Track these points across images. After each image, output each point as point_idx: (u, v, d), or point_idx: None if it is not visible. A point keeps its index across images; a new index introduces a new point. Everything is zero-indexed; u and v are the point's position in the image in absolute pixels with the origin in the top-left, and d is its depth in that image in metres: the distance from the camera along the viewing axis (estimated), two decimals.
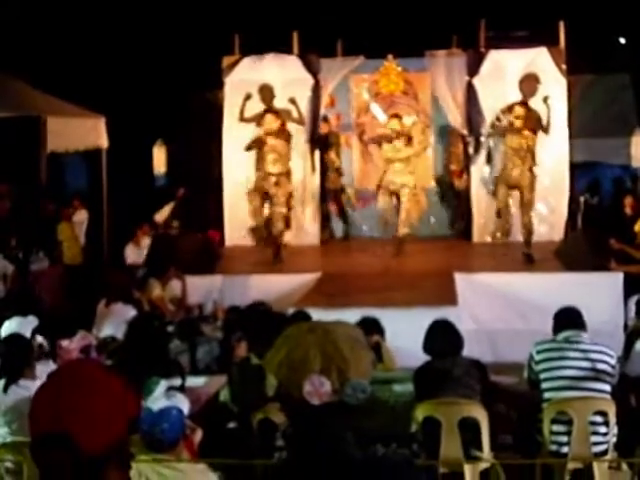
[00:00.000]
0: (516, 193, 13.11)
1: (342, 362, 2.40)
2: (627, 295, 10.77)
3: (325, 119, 15.47)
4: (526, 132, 12.74)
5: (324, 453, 2.57)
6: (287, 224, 14.30)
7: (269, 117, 13.30)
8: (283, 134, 13.38)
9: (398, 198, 13.62)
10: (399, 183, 13.48)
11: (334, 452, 2.57)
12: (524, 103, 12.96)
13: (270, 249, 13.23)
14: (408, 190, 13.49)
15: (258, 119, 13.61)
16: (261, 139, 13.26)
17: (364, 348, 2.60)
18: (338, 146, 15.62)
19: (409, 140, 13.56)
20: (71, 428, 2.37)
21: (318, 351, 2.40)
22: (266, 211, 13.44)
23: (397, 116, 13.83)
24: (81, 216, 15.24)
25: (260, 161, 13.30)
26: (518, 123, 12.69)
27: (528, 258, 12.53)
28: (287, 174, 13.40)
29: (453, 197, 15.84)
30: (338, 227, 16.01)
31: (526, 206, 12.90)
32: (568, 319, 6.59)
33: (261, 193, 13.27)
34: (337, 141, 15.60)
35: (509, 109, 13.02)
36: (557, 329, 6.60)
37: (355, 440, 2.63)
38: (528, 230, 12.90)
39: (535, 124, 13.00)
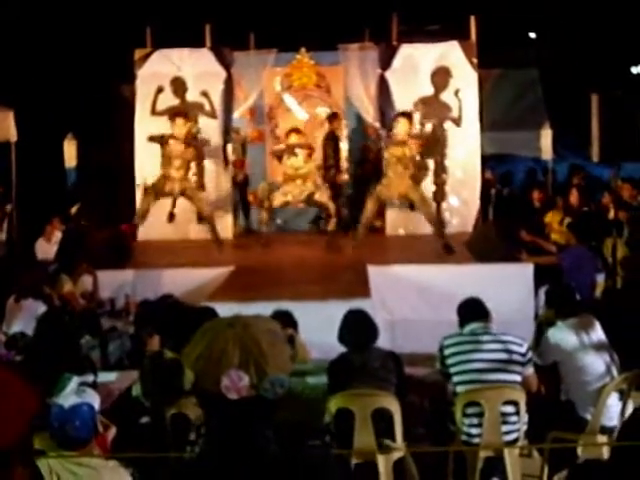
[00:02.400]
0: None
1: (261, 356, 2.40)
2: (537, 286, 10.94)
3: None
4: (410, 142, 12.81)
5: (242, 449, 2.55)
6: (200, 218, 14.28)
7: (179, 121, 13.18)
8: (191, 139, 13.33)
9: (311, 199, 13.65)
10: (297, 194, 13.50)
11: (252, 447, 2.55)
12: (409, 115, 13.05)
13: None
14: (313, 189, 13.49)
15: (169, 116, 13.56)
16: (166, 139, 13.14)
17: (283, 343, 2.60)
18: (240, 139, 15.57)
19: (309, 154, 13.53)
20: None
21: (237, 345, 2.39)
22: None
23: (296, 130, 13.78)
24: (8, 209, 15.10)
25: (164, 166, 13.19)
26: (400, 136, 12.76)
27: (447, 249, 12.64)
28: (190, 178, 13.55)
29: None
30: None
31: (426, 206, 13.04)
32: (472, 311, 6.65)
33: (155, 193, 13.25)
34: (238, 134, 15.54)
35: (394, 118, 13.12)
36: (463, 322, 6.66)
37: (275, 437, 2.62)
38: (437, 223, 13.06)
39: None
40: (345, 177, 15.79)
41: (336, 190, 14.75)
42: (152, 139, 13.29)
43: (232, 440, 2.54)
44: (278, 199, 13.48)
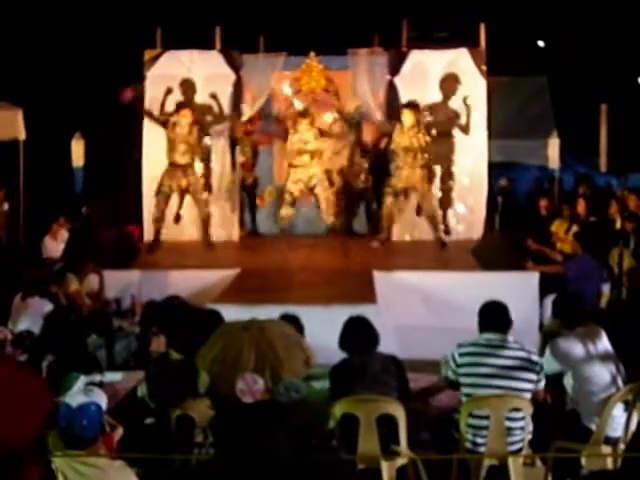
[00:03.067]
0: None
1: (276, 361, 2.41)
2: (543, 295, 10.95)
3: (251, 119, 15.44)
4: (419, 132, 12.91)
5: (255, 452, 2.57)
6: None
7: (184, 111, 13.55)
8: (194, 126, 13.43)
9: (313, 190, 13.71)
10: (305, 177, 13.54)
11: (265, 451, 2.57)
12: (415, 105, 13.10)
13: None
14: (317, 179, 13.56)
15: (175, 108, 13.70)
16: (168, 126, 13.37)
17: (298, 347, 2.61)
18: (250, 141, 15.55)
19: (321, 134, 13.63)
20: None
21: (252, 349, 2.40)
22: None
23: (305, 113, 13.94)
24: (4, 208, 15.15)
25: (169, 152, 13.33)
26: (406, 126, 12.83)
27: (441, 244, 12.88)
28: (194, 168, 13.72)
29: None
30: (264, 224, 16.00)
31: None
32: (492, 318, 6.61)
33: (165, 197, 13.51)
34: (249, 136, 15.53)
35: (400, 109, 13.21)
36: (482, 327, 6.61)
37: (289, 441, 2.64)
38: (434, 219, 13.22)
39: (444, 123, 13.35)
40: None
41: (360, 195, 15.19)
42: (163, 122, 13.42)
43: (246, 443, 2.56)
44: (293, 188, 13.51)
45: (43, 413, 2.35)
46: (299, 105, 15.32)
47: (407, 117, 12.93)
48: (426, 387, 7.35)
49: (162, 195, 13.54)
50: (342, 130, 15.71)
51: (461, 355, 6.46)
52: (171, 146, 13.45)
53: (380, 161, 14.97)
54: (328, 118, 15.60)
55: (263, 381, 2.38)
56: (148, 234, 14.67)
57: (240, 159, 15.31)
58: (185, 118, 13.50)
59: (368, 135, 15.46)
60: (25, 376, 2.34)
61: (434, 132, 13.88)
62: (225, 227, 15.01)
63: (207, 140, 14.12)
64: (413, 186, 13.14)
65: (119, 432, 5.54)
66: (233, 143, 15.06)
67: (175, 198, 14.12)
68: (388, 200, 13.28)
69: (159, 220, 13.68)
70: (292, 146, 13.58)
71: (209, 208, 13.89)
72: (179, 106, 13.71)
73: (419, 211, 14.09)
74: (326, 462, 2.63)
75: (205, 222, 13.82)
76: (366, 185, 15.55)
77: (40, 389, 2.38)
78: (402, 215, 14.21)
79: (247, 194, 15.60)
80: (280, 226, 14.14)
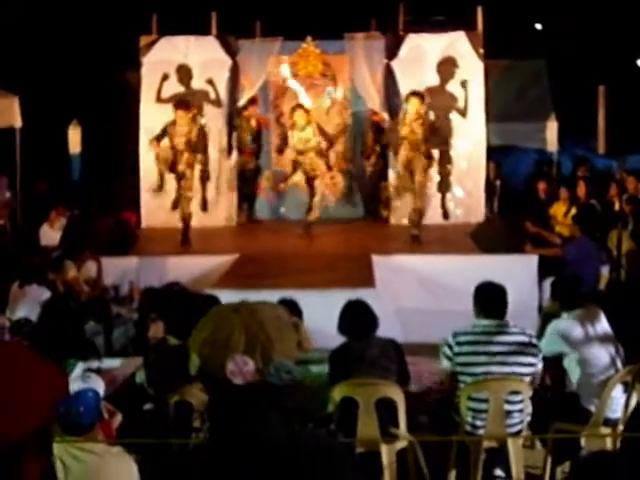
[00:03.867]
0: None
1: (267, 342, 2.39)
2: (541, 277, 10.95)
3: (253, 101, 15.33)
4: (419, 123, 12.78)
5: (247, 434, 2.55)
6: (204, 206, 14.26)
7: (180, 113, 13.00)
8: (194, 124, 13.19)
9: (311, 184, 13.57)
10: (310, 170, 13.44)
11: (258, 433, 2.55)
12: (420, 94, 12.98)
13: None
14: (320, 174, 13.46)
15: (173, 106, 13.45)
16: (167, 128, 13.04)
17: (289, 329, 2.59)
18: (250, 127, 15.47)
19: (320, 132, 13.49)
20: None
21: (243, 331, 2.38)
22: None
23: (300, 106, 13.77)
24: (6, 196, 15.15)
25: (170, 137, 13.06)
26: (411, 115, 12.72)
27: (414, 239, 12.76)
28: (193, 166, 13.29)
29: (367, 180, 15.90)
30: (262, 209, 15.97)
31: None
32: (487, 303, 6.56)
33: (165, 161, 13.08)
34: (249, 122, 15.44)
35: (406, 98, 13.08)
36: (477, 311, 6.58)
37: (281, 423, 2.61)
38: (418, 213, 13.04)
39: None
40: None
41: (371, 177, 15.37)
42: (159, 138, 13.09)
43: (238, 425, 2.54)
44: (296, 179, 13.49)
45: (51, 404, 2.32)
46: (294, 85, 15.30)
47: (412, 105, 12.73)
48: (425, 370, 7.35)
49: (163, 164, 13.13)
50: (339, 115, 15.70)
51: (458, 344, 6.43)
52: (173, 144, 13.02)
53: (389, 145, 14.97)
54: (326, 102, 15.59)
55: (254, 362, 2.36)
56: (146, 221, 14.67)
57: (241, 145, 15.26)
58: (181, 119, 12.98)
59: (377, 118, 15.40)
60: (37, 365, 2.32)
61: (432, 116, 13.81)
62: (223, 213, 14.99)
63: (203, 121, 13.99)
64: (414, 172, 12.97)
65: (118, 418, 5.53)
66: (230, 128, 15.01)
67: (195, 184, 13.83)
68: (408, 196, 13.11)
69: (189, 216, 13.25)
70: (296, 146, 13.41)
71: (190, 209, 13.37)
72: (175, 105, 13.43)
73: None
74: (321, 445, 2.60)
75: (186, 220, 13.27)
76: (375, 168, 15.53)
77: (52, 371, 2.37)
78: (401, 199, 14.12)
79: (248, 180, 15.51)
80: (306, 221, 13.86)
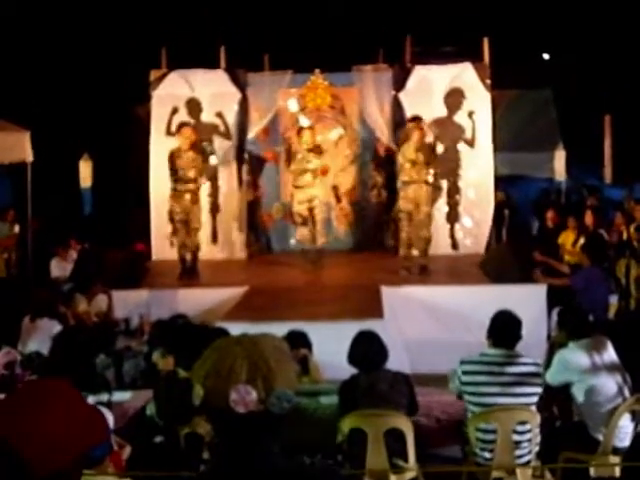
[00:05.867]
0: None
1: (268, 372, 2.44)
2: (550, 307, 10.95)
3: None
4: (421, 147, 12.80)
5: (248, 463, 2.59)
6: (214, 238, 14.30)
7: (185, 131, 13.13)
8: (197, 148, 13.26)
9: (311, 211, 13.59)
10: (308, 196, 13.41)
11: (258, 461, 2.60)
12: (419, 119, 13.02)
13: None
14: (319, 201, 13.46)
15: (176, 128, 13.60)
16: (173, 153, 13.11)
17: (289, 359, 2.64)
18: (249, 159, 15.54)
19: (320, 152, 13.54)
20: (19, 441, 2.34)
21: (245, 361, 2.43)
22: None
23: (310, 128, 13.87)
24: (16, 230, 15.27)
25: (173, 178, 13.08)
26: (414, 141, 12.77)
27: (422, 269, 12.79)
28: (198, 187, 13.30)
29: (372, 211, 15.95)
30: (273, 241, 16.02)
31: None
32: (500, 333, 6.57)
33: (183, 224, 13.12)
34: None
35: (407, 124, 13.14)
36: (489, 339, 6.59)
37: (283, 451, 2.65)
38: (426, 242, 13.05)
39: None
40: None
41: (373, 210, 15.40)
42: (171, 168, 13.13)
43: (239, 454, 2.58)
44: (299, 209, 13.47)
45: (85, 447, 2.36)
46: (304, 122, 15.38)
47: (411, 131, 12.82)
48: (434, 401, 7.35)
49: (179, 223, 13.11)
50: (349, 147, 15.78)
51: (465, 373, 6.44)
52: (176, 173, 13.02)
53: (394, 176, 15.01)
54: (333, 135, 15.67)
55: (256, 392, 2.41)
56: (157, 253, 14.74)
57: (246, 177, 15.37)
58: (185, 137, 13.04)
59: (382, 150, 15.48)
60: (79, 406, 2.37)
61: (440, 147, 13.88)
62: (233, 245, 15.06)
63: (213, 159, 14.09)
64: (418, 204, 12.98)
65: (127, 451, 5.57)
66: (240, 160, 15.10)
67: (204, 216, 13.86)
68: (403, 224, 12.98)
69: (183, 246, 13.26)
70: (295, 166, 13.48)
71: (199, 239, 13.45)
72: (180, 125, 13.59)
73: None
74: (322, 476, 2.65)
75: (194, 252, 13.35)
76: (379, 200, 15.61)
77: (93, 422, 2.40)
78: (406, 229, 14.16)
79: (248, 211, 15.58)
80: (303, 248, 13.86)
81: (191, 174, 12.94)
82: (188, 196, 12.96)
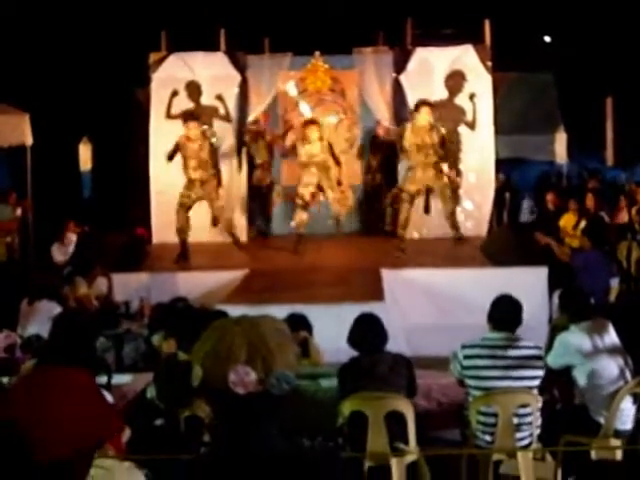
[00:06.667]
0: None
1: (267, 353, 2.42)
2: (551, 290, 10.94)
3: (256, 120, 15.39)
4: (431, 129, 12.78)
5: (248, 444, 2.57)
6: (215, 221, 14.25)
7: (191, 124, 13.09)
8: (205, 140, 13.20)
9: (314, 196, 13.60)
10: (315, 181, 13.41)
11: (257, 443, 2.57)
12: (430, 104, 12.96)
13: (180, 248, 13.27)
14: (326, 184, 13.45)
15: (182, 119, 13.56)
16: (179, 144, 13.05)
17: (289, 341, 2.62)
18: (265, 143, 15.53)
19: (330, 149, 13.49)
20: (28, 425, 2.33)
21: (244, 342, 2.41)
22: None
23: (313, 122, 13.78)
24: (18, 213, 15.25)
25: (184, 168, 13.11)
26: (421, 124, 12.72)
27: (459, 240, 13.06)
28: (211, 177, 13.29)
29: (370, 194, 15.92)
30: (273, 224, 16.01)
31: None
32: (501, 316, 6.54)
33: (186, 208, 13.19)
34: (264, 138, 15.50)
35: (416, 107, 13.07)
36: (490, 322, 6.57)
37: (282, 432, 2.63)
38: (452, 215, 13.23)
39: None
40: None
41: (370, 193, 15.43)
42: (171, 157, 13.09)
43: (238, 435, 2.56)
44: (304, 192, 13.44)
45: (98, 438, 2.36)
46: (304, 107, 15.33)
47: (423, 115, 12.71)
48: (434, 384, 7.35)
49: (182, 207, 13.17)
50: (349, 130, 15.75)
51: (465, 357, 6.42)
52: (185, 163, 13.09)
53: (391, 159, 14.96)
54: (333, 120, 15.63)
55: (255, 373, 2.38)
56: (157, 237, 14.72)
57: (258, 160, 15.34)
58: (192, 131, 13.04)
59: (381, 132, 15.43)
60: (96, 399, 2.37)
61: (442, 130, 13.83)
62: (235, 228, 15.03)
63: (213, 140, 14.03)
64: (428, 186, 13.00)
65: (127, 433, 5.55)
66: (240, 143, 15.06)
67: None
68: (405, 206, 12.96)
69: (183, 231, 13.27)
70: (301, 157, 13.43)
71: (227, 213, 13.64)
72: (185, 118, 13.56)
73: (427, 209, 14.08)
74: (319, 454, 2.62)
75: (228, 227, 13.66)
76: (373, 183, 15.58)
77: (108, 416, 2.40)
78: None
79: (264, 195, 15.59)
80: (296, 232, 13.89)
81: (198, 166, 13.01)
82: (198, 188, 13.01)
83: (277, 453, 2.49)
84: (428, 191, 13.43)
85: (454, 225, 13.12)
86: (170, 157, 13.05)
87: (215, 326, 2.82)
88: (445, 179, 13.05)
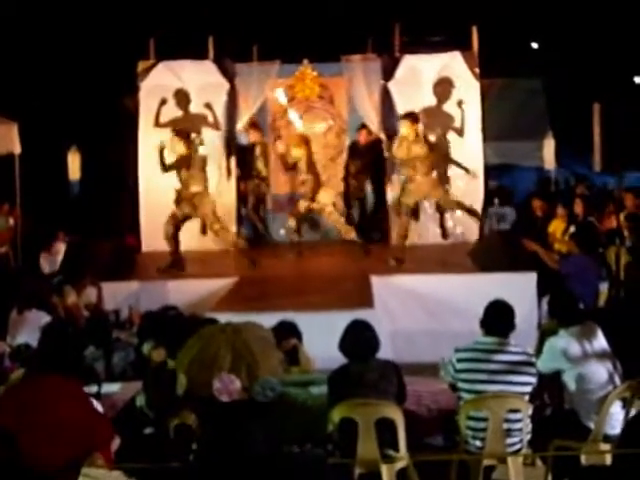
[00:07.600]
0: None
1: (252, 360, 2.43)
2: (540, 295, 10.96)
3: (255, 126, 15.35)
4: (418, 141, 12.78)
5: (233, 450, 2.58)
6: (204, 229, 14.20)
7: (175, 141, 12.85)
8: (192, 155, 13.07)
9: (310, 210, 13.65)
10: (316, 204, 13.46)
11: (243, 449, 2.58)
12: (413, 115, 12.96)
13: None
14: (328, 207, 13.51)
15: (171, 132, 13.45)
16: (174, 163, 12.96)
17: (273, 348, 2.63)
18: (265, 155, 15.47)
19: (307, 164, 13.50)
20: (19, 431, 2.34)
21: (228, 350, 2.42)
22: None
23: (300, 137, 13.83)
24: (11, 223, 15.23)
25: (179, 181, 12.99)
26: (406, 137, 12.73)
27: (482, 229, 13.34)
28: (204, 192, 13.13)
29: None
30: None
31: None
32: (494, 321, 6.57)
33: (176, 221, 13.05)
34: (264, 150, 15.45)
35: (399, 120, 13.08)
36: (483, 327, 6.59)
37: (266, 439, 2.64)
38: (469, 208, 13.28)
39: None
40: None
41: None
42: (167, 169, 12.97)
43: (224, 442, 2.57)
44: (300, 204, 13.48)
45: (87, 448, 2.36)
46: (293, 115, 15.32)
47: (405, 128, 12.72)
48: (424, 390, 7.35)
49: (172, 218, 12.99)
50: (337, 137, 15.74)
51: (459, 361, 6.44)
52: (178, 177, 12.94)
53: (378, 167, 14.97)
54: (321, 127, 15.63)
55: (239, 380, 2.39)
56: (146, 245, 14.68)
57: (259, 167, 15.33)
58: (179, 147, 12.82)
59: (362, 139, 15.42)
60: (86, 410, 2.37)
61: (431, 137, 13.84)
62: (223, 236, 14.99)
63: (202, 150, 13.98)
64: (427, 195, 13.00)
65: (116, 442, 5.54)
66: (229, 151, 15.05)
67: None
68: (403, 218, 12.97)
69: (171, 238, 13.07)
70: (287, 165, 13.49)
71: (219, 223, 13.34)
72: (174, 133, 13.43)
73: (416, 215, 14.07)
74: (304, 460, 2.64)
75: (224, 235, 13.31)
76: (351, 190, 15.56)
77: (99, 427, 2.40)
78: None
79: (259, 202, 15.57)
80: (289, 239, 13.87)
81: (188, 182, 12.86)
82: (189, 202, 12.89)
83: (263, 459, 2.50)
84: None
85: (472, 214, 13.32)
86: (164, 167, 12.91)
87: (199, 334, 2.84)
88: (441, 189, 13.05)
